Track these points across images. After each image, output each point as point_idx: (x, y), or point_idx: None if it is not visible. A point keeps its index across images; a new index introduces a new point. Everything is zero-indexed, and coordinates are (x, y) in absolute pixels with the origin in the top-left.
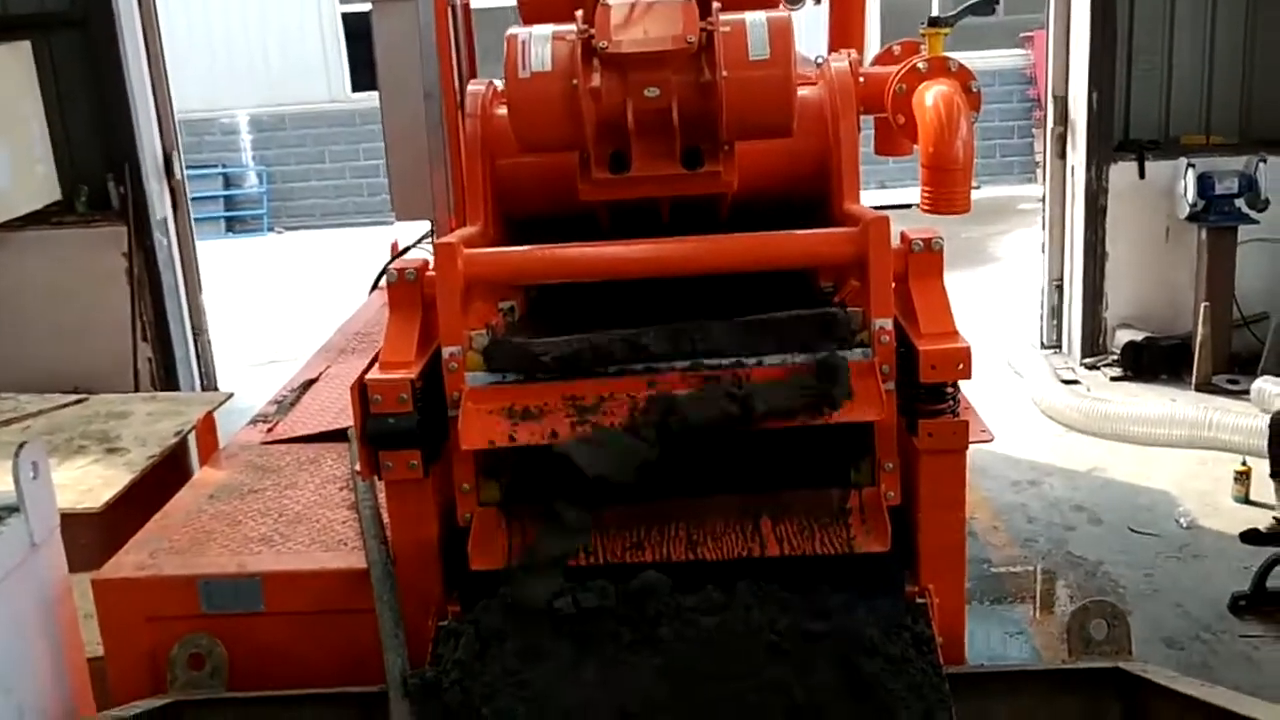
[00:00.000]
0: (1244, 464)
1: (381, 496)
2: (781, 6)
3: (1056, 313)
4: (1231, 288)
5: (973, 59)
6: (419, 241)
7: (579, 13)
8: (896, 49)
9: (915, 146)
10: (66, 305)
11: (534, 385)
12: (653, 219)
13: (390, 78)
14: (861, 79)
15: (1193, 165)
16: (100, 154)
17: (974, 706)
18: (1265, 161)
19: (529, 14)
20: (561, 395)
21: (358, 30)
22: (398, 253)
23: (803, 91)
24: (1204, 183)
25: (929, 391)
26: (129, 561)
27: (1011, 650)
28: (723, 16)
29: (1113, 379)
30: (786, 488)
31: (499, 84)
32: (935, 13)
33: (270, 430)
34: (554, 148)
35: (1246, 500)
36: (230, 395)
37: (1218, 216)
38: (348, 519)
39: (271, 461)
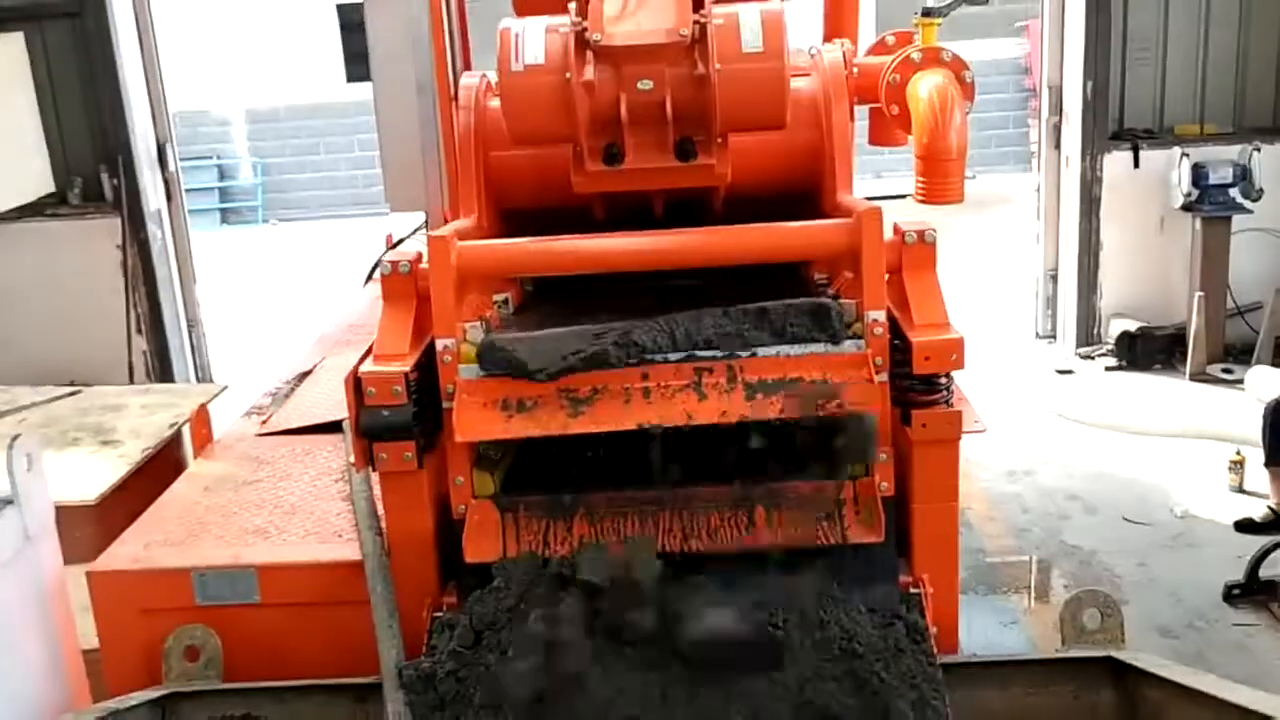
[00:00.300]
0: (1238, 453)
1: (376, 488)
2: None
3: (1051, 303)
4: (1226, 277)
5: (968, 49)
6: (413, 233)
7: (572, 5)
8: (890, 39)
9: (909, 137)
10: (60, 297)
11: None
12: (646, 212)
13: (384, 70)
14: (855, 70)
15: (1187, 155)
16: (94, 146)
17: (967, 696)
18: (1259, 151)
19: (523, 6)
20: (556, 388)
21: (352, 22)
22: (392, 245)
23: (796, 83)
24: (1198, 172)
25: (922, 382)
26: (124, 554)
27: (1006, 640)
28: (715, 9)
29: (1107, 369)
30: (781, 479)
31: (493, 76)
32: (929, 3)
33: (265, 422)
34: (547, 140)
35: (1241, 490)
36: (225, 387)
37: (1212, 206)
38: (342, 511)
39: (266, 453)
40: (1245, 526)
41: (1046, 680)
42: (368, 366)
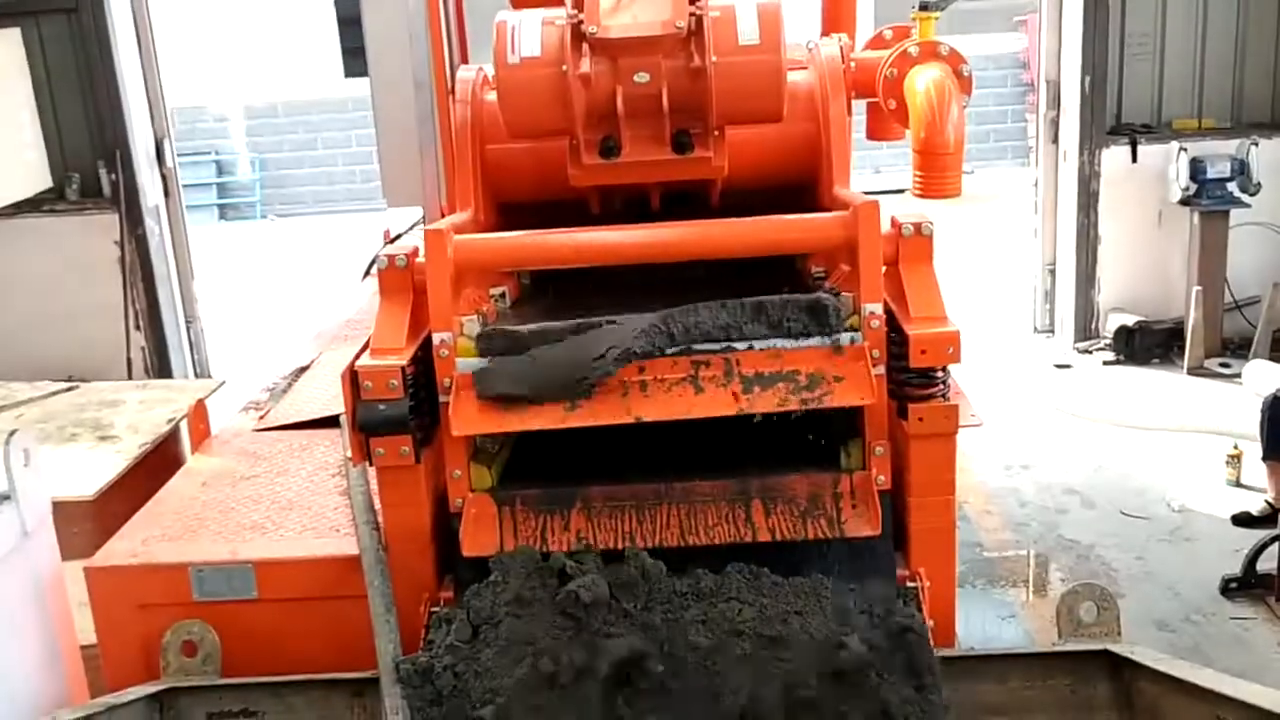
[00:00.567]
0: (1235, 447)
1: (373, 483)
2: None
3: (1049, 297)
4: (1223, 271)
5: (966, 43)
6: (411, 228)
7: None
8: (888, 33)
9: (906, 131)
10: (58, 293)
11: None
12: (643, 204)
13: (381, 64)
14: (852, 64)
15: (1185, 149)
16: (91, 141)
17: (964, 689)
18: (1257, 145)
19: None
20: None
21: (350, 16)
22: (390, 240)
23: (793, 76)
24: (1196, 166)
25: (919, 376)
26: (121, 549)
27: (1004, 634)
28: (712, 1)
29: (1105, 363)
30: (777, 472)
31: (489, 70)
32: None
33: (262, 417)
34: (544, 133)
35: (1238, 484)
36: (223, 383)
37: (1210, 200)
38: (340, 505)
39: (264, 449)
40: (1242, 520)
41: (1043, 674)
42: (364, 361)
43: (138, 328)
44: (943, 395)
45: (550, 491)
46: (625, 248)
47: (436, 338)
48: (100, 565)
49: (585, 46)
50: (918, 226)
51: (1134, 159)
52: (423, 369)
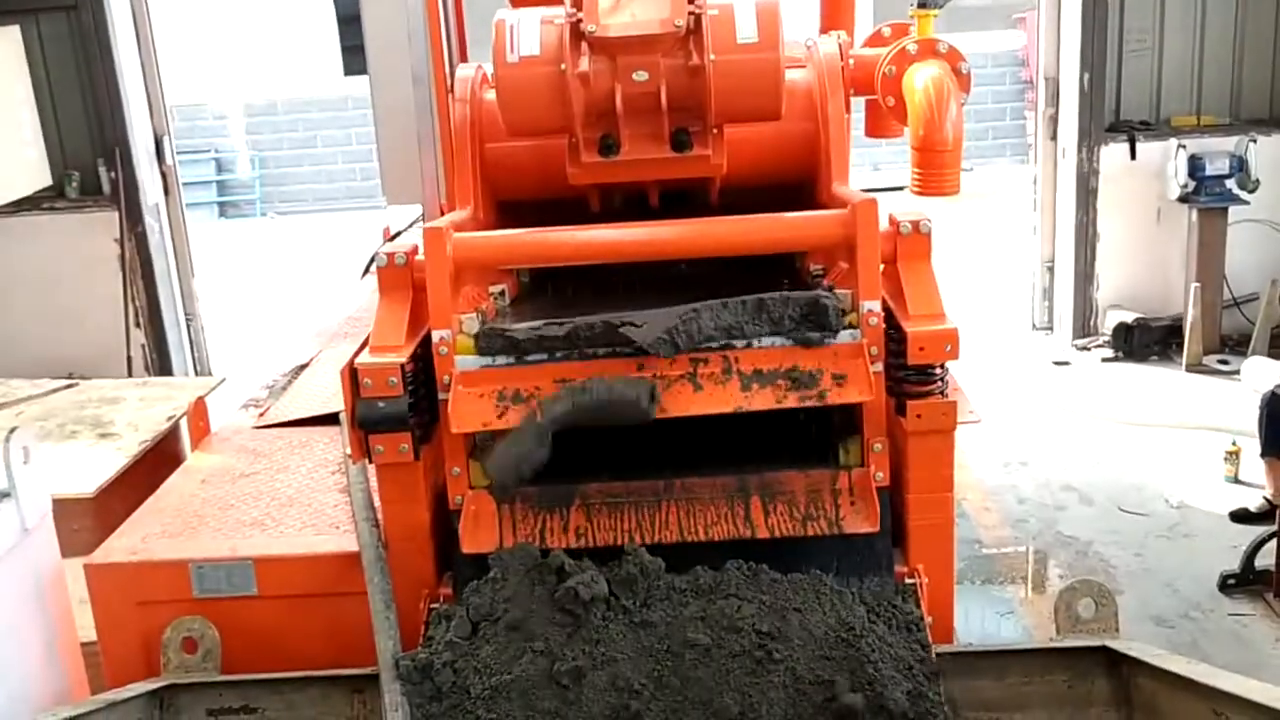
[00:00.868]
0: (1234, 444)
1: (373, 480)
2: None
3: (1048, 294)
4: (1222, 268)
5: (965, 41)
6: (411, 226)
7: None
8: (886, 31)
9: (905, 129)
10: (58, 291)
11: (524, 368)
12: (642, 202)
13: (380, 62)
14: (851, 61)
15: (1183, 146)
16: (91, 139)
17: (962, 685)
18: (1255, 142)
19: None
20: (551, 378)
21: (349, 14)
22: (389, 238)
23: (792, 74)
24: (1195, 164)
25: (917, 373)
26: (121, 546)
27: (1002, 630)
28: (710, 0)
29: (1104, 360)
30: (776, 470)
31: (488, 68)
32: None
33: (262, 414)
34: (542, 131)
35: (1236, 480)
36: (222, 380)
37: (1208, 197)
38: (339, 502)
39: (263, 446)
40: (1241, 517)
41: (1041, 670)
42: (364, 358)
43: (138, 325)
44: (941, 392)
45: (549, 489)
46: (624, 246)
47: (436, 335)
48: (100, 562)
49: (584, 45)
50: (916, 224)
51: (1133, 156)
52: (422, 366)
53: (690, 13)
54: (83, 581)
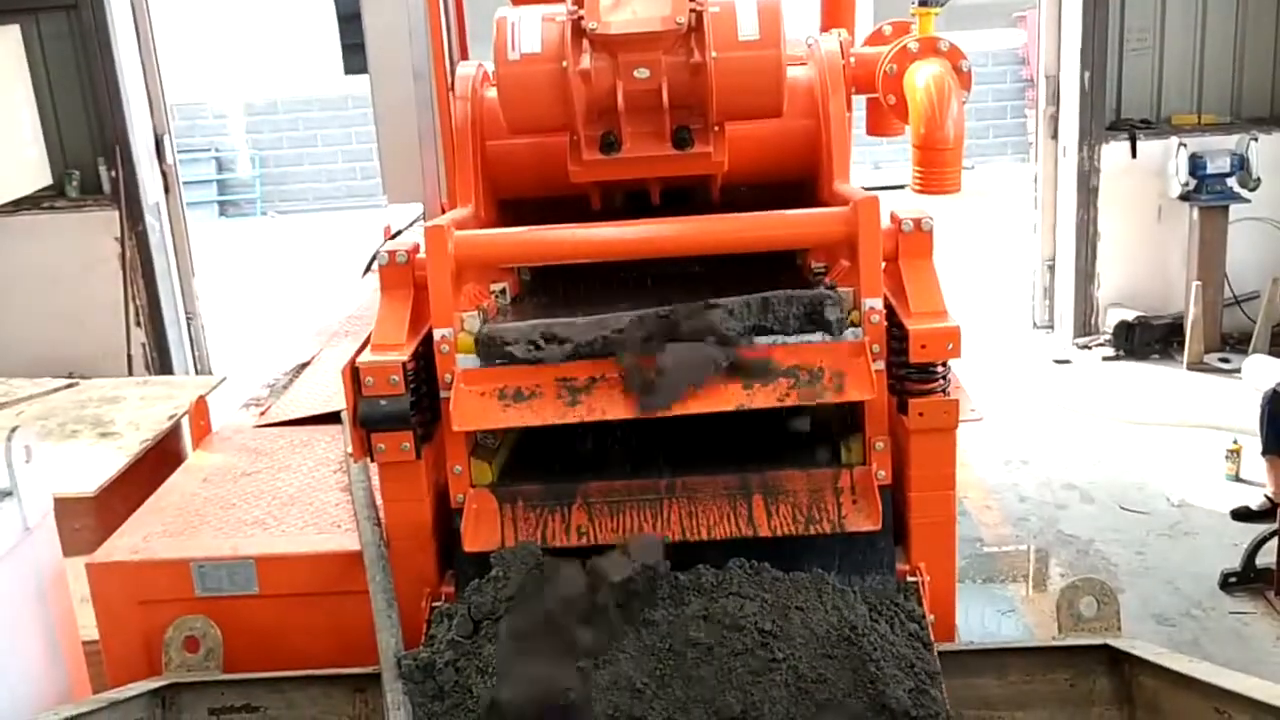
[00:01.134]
0: (1235, 442)
1: (374, 478)
2: None
3: (1049, 293)
4: (1223, 267)
5: (965, 39)
6: (411, 224)
7: None
8: (888, 29)
9: (906, 127)
10: (58, 290)
11: (525, 367)
12: (643, 200)
13: (381, 60)
14: (852, 59)
15: (1184, 144)
16: (91, 138)
17: (964, 683)
18: (1256, 140)
19: None
20: (553, 377)
21: (349, 13)
22: (390, 236)
23: (793, 72)
24: (1196, 162)
25: (919, 371)
26: (123, 545)
27: (1004, 629)
28: None
29: (1105, 359)
30: (778, 468)
31: (489, 66)
32: None
33: (263, 413)
34: (544, 129)
35: (1238, 478)
36: (223, 379)
37: (1209, 196)
38: (341, 501)
39: (264, 445)
40: (1242, 515)
41: (1043, 668)
42: (365, 356)
43: (138, 324)
44: (943, 390)
45: (551, 487)
46: (625, 243)
47: (437, 334)
48: (102, 561)
49: (585, 42)
50: (918, 222)
51: (1133, 154)
52: (424, 365)
53: (692, 10)
54: (84, 580)
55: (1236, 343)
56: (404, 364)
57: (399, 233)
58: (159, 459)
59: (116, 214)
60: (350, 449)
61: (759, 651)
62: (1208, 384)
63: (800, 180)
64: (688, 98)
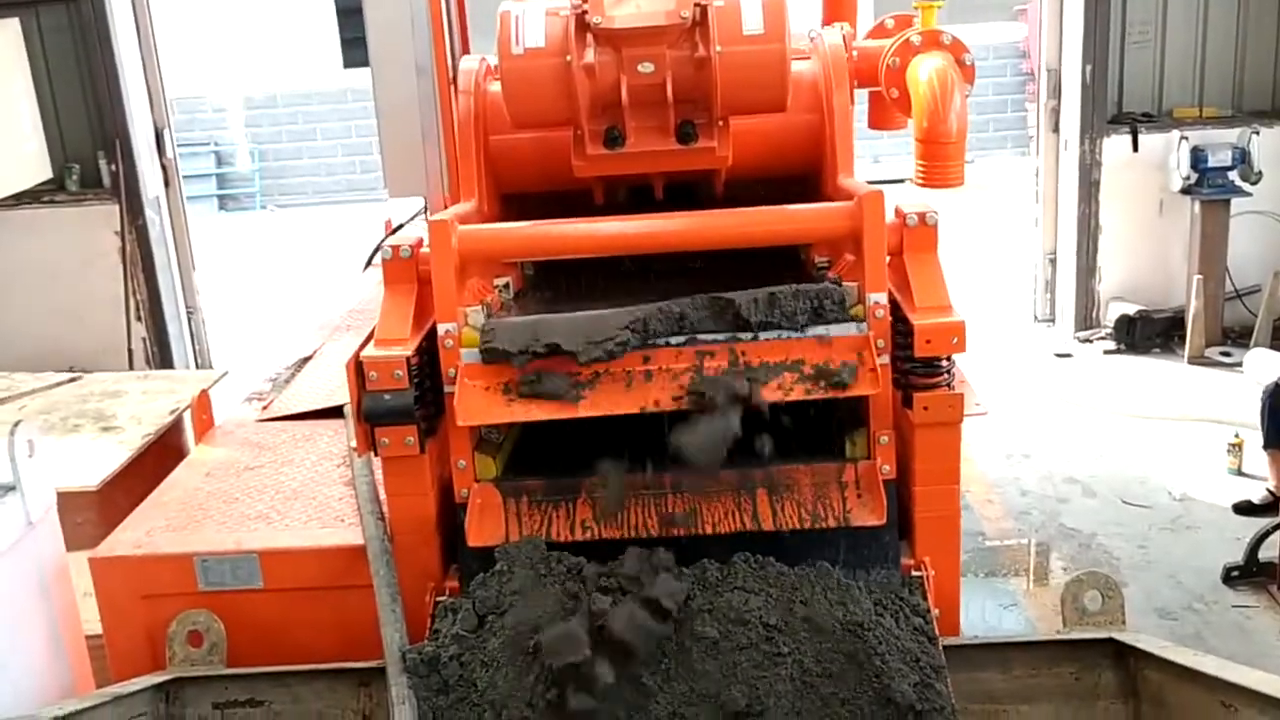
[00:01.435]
0: (1237, 436)
1: (378, 473)
2: None
3: (1050, 286)
4: (1224, 260)
5: (966, 32)
6: (413, 218)
7: None
8: (890, 22)
9: (909, 120)
10: (59, 284)
11: (530, 361)
12: (647, 195)
13: (382, 54)
14: (855, 53)
15: (1186, 138)
16: (91, 132)
17: (969, 677)
18: (1258, 134)
19: None
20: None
21: (349, 6)
22: (392, 230)
23: (797, 66)
24: (1197, 155)
25: (924, 365)
26: (126, 539)
27: (1006, 622)
28: None
29: (1106, 352)
30: (782, 463)
31: (492, 60)
32: None
33: (266, 408)
34: (548, 124)
35: (1239, 472)
36: (225, 373)
37: (1211, 189)
38: (344, 495)
39: (267, 439)
40: (1244, 509)
41: (1048, 662)
42: (369, 351)
43: (139, 318)
44: (948, 384)
45: (555, 482)
46: (629, 238)
47: (441, 328)
48: (105, 556)
49: (589, 37)
50: (922, 216)
51: (1135, 148)
52: (427, 359)
53: (696, 4)
54: (86, 575)
55: (1238, 336)
56: (408, 358)
57: (400, 227)
58: (161, 453)
59: (116, 208)
60: (354, 443)
61: (764, 646)
62: (1209, 378)
63: (804, 175)
64: (692, 92)
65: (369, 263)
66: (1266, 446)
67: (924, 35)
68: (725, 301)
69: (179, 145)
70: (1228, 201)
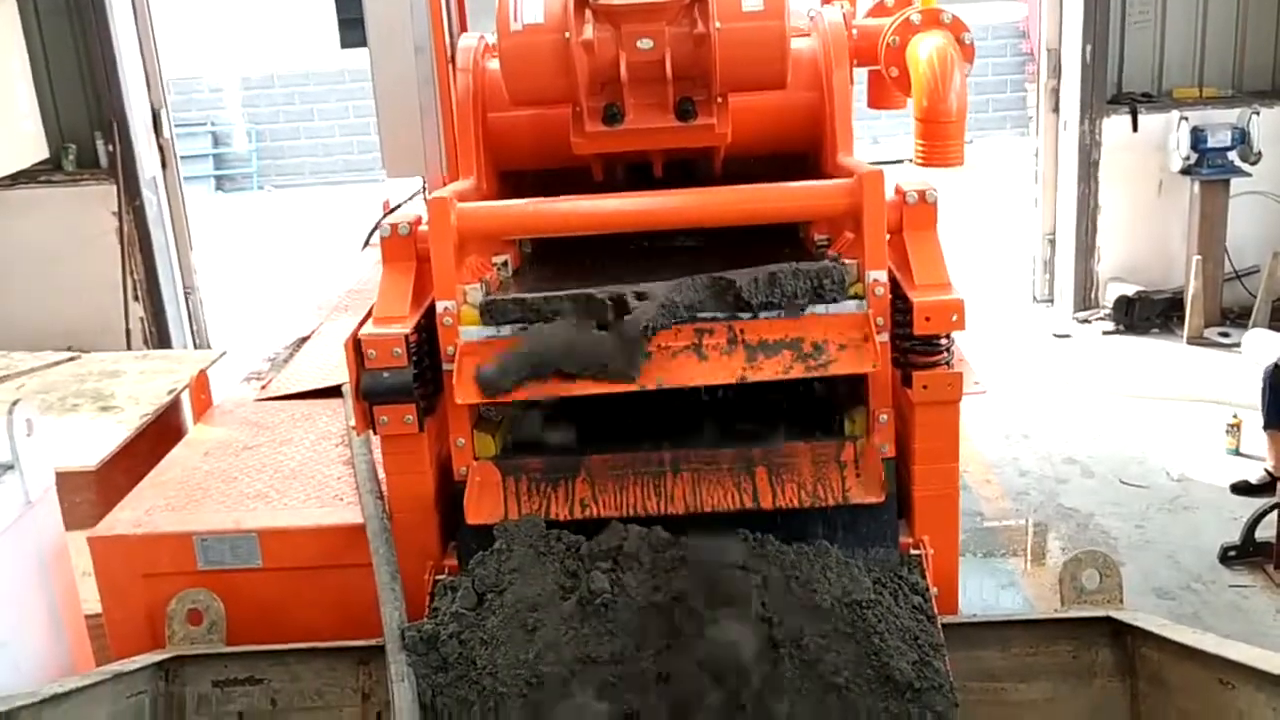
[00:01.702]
0: (1235, 417)
1: (377, 452)
2: None
3: (1049, 267)
4: (1223, 241)
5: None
6: (411, 198)
7: None
8: (889, 1)
9: (908, 100)
10: (56, 264)
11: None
12: (646, 172)
13: (380, 33)
14: (855, 31)
15: (1186, 118)
16: (88, 112)
17: (967, 656)
18: (1258, 114)
19: None
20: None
21: None
22: (390, 210)
23: (796, 44)
24: (1197, 135)
25: (923, 343)
26: (125, 519)
27: (1004, 602)
28: None
29: (1104, 333)
30: (781, 441)
31: (490, 38)
32: None
33: (264, 387)
34: (547, 101)
35: (1238, 452)
36: (224, 353)
37: (1210, 169)
38: (343, 475)
39: (266, 418)
40: (1242, 489)
41: (1046, 640)
42: (368, 329)
43: (136, 299)
44: (947, 363)
45: (554, 461)
46: (628, 215)
47: (440, 306)
48: (104, 535)
49: (588, 13)
50: (922, 194)
51: (1134, 128)
52: (426, 337)
53: None
54: (85, 555)
55: (1236, 317)
56: (407, 336)
57: (398, 206)
58: (159, 433)
59: (114, 188)
60: (353, 422)
61: (762, 623)
62: (1208, 358)
63: (803, 153)
64: (691, 69)
65: (367, 242)
66: (1266, 427)
67: (924, 14)
68: (726, 283)
69: (176, 126)
70: (1227, 182)
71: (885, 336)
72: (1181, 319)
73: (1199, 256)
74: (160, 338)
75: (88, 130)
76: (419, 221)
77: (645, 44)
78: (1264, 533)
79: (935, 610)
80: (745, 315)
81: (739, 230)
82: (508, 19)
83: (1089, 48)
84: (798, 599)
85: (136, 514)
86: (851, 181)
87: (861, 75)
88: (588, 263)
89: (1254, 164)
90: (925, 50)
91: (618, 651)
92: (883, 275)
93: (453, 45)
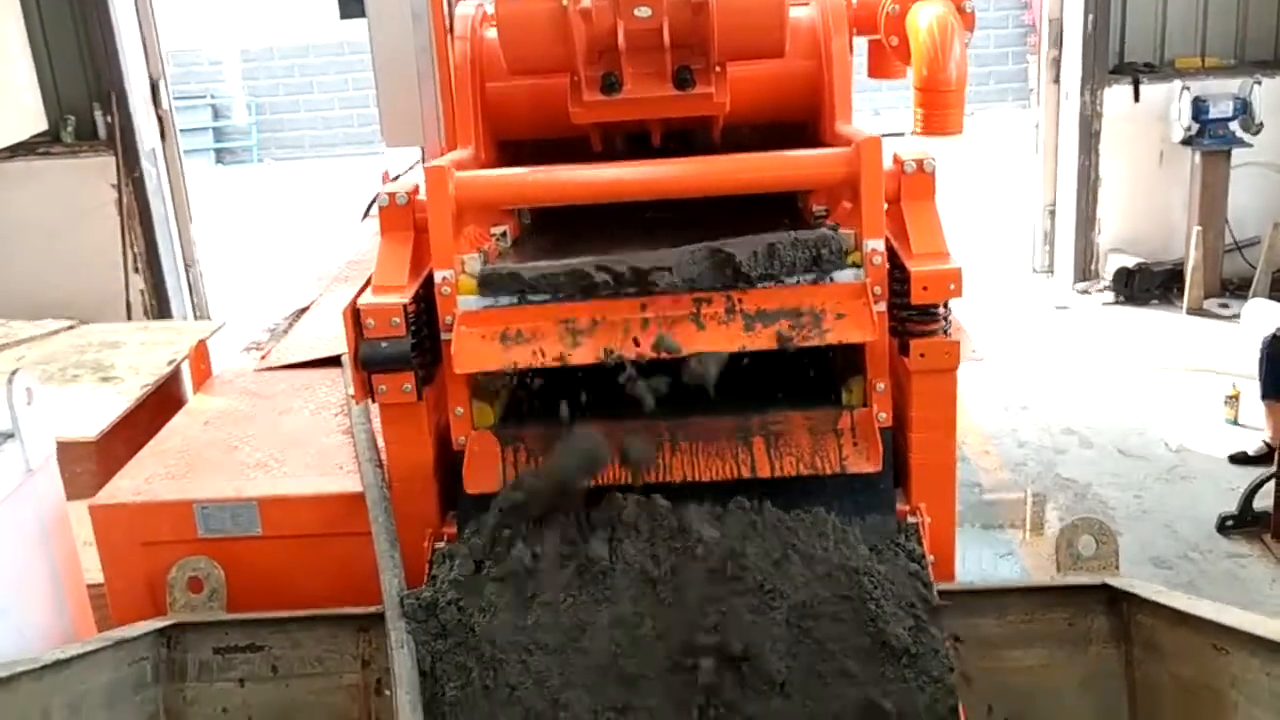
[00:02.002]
0: (1234, 387)
1: (376, 421)
2: None
3: (1049, 238)
4: (1224, 212)
5: None
6: (410, 169)
7: None
8: None
9: (908, 69)
10: (56, 236)
11: (527, 308)
12: (644, 142)
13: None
14: (854, 0)
15: (1187, 88)
16: (86, 83)
17: (963, 623)
18: (1260, 84)
19: None
20: (555, 319)
21: None
22: (389, 181)
23: (795, 12)
24: (1198, 106)
25: (920, 312)
26: (125, 487)
27: (1001, 571)
28: None
29: (1104, 304)
30: (779, 410)
31: (489, 6)
32: None
33: (264, 357)
34: (544, 69)
35: (1236, 423)
36: (223, 324)
37: (1212, 140)
38: (342, 443)
39: (265, 388)
40: (1240, 459)
41: (1042, 607)
42: (366, 298)
43: (136, 270)
44: (944, 331)
45: (553, 429)
46: (627, 185)
47: (438, 275)
48: (105, 503)
49: None
50: (920, 162)
51: (1136, 99)
52: (424, 307)
53: None
54: (86, 525)
55: (1236, 288)
56: (405, 306)
57: (397, 177)
58: (159, 403)
59: (113, 160)
60: (351, 391)
61: (759, 592)
62: (1207, 329)
63: (802, 122)
64: (689, 37)
65: (366, 214)
66: (1264, 397)
67: None
68: (725, 255)
69: (175, 98)
70: (1228, 152)
71: (883, 306)
72: (1181, 290)
73: (1199, 227)
74: (160, 310)
75: (86, 102)
76: (417, 191)
77: (643, 12)
78: (1261, 502)
79: (931, 577)
80: (743, 285)
81: (738, 199)
82: None
83: (1091, 17)
84: (794, 565)
85: (137, 482)
86: (849, 150)
87: (861, 46)
88: (586, 233)
89: (1255, 134)
90: (925, 18)
91: (615, 618)
92: (880, 244)
93: (451, 13)
